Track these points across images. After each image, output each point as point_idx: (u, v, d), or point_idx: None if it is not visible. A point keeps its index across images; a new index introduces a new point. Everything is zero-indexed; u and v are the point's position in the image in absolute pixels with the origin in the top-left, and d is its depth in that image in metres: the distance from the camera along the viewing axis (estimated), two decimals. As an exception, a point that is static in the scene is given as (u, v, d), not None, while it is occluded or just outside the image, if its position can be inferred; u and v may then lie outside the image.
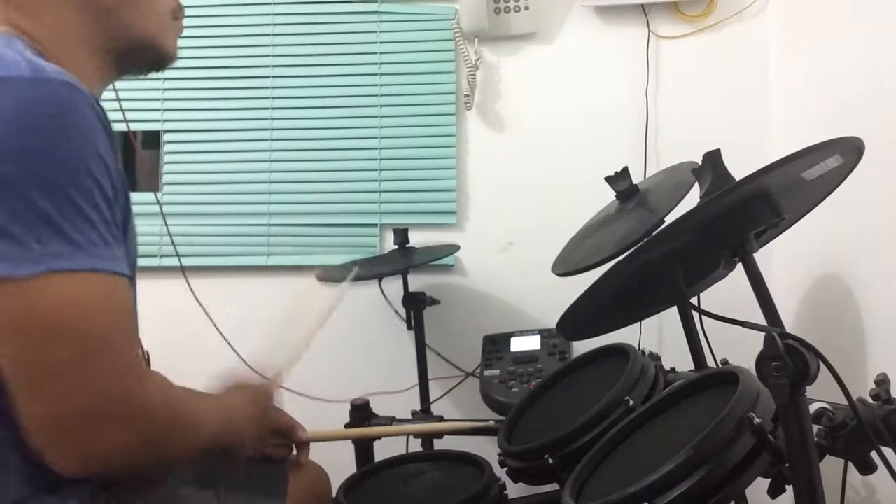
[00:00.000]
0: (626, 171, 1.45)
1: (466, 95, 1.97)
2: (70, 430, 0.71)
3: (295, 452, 1.23)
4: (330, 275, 1.78)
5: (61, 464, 0.73)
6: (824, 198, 1.18)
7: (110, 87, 0.96)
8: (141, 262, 2.26)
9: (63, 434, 0.71)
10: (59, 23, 0.84)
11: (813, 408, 1.05)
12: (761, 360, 0.84)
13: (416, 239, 1.84)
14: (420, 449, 1.66)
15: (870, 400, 1.02)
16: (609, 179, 1.46)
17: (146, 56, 0.94)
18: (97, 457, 0.72)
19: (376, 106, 2.04)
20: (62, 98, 0.72)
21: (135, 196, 2.32)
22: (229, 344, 1.83)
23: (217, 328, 1.83)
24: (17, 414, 0.71)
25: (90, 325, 0.72)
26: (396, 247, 1.82)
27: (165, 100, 2.07)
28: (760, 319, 0.99)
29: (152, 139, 2.17)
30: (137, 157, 2.25)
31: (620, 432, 1.04)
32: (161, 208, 1.76)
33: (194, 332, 1.88)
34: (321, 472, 1.26)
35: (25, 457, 0.74)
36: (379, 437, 1.59)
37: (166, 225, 1.74)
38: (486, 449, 1.38)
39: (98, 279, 0.73)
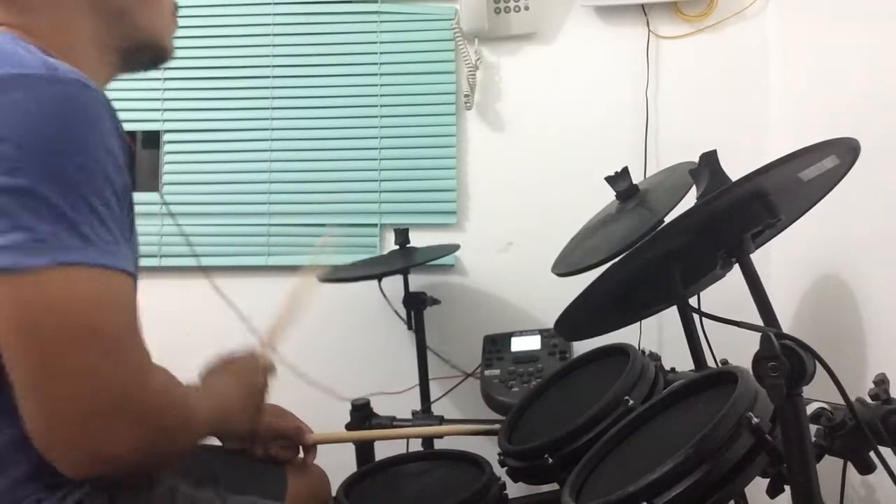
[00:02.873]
0: (626, 171, 1.45)
1: (466, 95, 1.97)
2: (77, 432, 0.70)
3: (301, 455, 1.23)
4: (329, 275, 1.78)
5: (66, 466, 0.72)
6: (821, 198, 1.18)
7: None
8: (141, 262, 2.27)
9: (70, 436, 0.70)
10: (70, 23, 0.84)
11: (812, 408, 1.05)
12: (758, 361, 0.84)
13: (417, 239, 1.84)
14: (420, 448, 1.67)
15: (868, 400, 1.02)
16: (609, 179, 1.46)
17: (150, 54, 0.95)
18: (103, 458, 0.71)
19: (376, 106, 2.04)
20: (77, 97, 0.72)
21: (135, 196, 2.32)
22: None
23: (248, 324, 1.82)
24: (19, 413, 0.70)
25: (102, 324, 0.71)
26: (397, 247, 1.83)
27: (165, 100, 2.08)
28: (759, 320, 0.99)
29: (152, 139, 2.18)
30: (137, 156, 2.26)
31: (620, 432, 1.04)
32: (165, 208, 1.76)
33: (194, 332, 1.88)
34: (321, 474, 1.26)
35: (26, 456, 0.73)
36: (381, 439, 1.59)
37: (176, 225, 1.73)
38: (486, 449, 1.38)
39: (109, 276, 0.72)
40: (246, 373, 1.06)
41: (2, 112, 0.69)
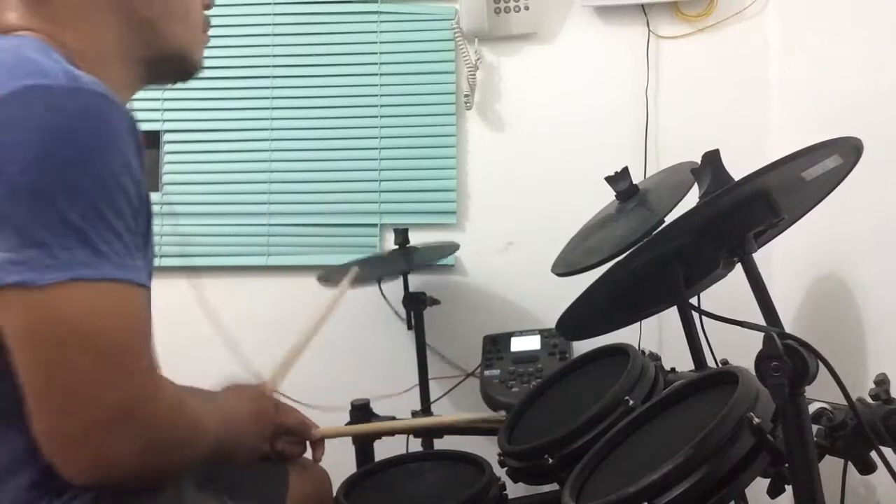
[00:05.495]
0: (626, 171, 1.45)
1: (466, 95, 1.97)
2: (85, 441, 0.71)
3: (309, 451, 1.23)
4: (330, 275, 1.78)
5: (72, 474, 0.72)
6: (823, 198, 1.18)
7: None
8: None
9: (77, 445, 0.71)
10: (96, 32, 0.84)
11: (812, 408, 1.05)
12: (760, 360, 0.84)
13: (417, 239, 1.84)
14: (420, 449, 1.66)
15: (869, 400, 1.02)
16: (609, 179, 1.46)
17: (176, 67, 0.95)
18: (110, 467, 0.73)
19: (376, 106, 2.04)
20: (96, 109, 0.72)
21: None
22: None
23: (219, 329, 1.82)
24: (29, 421, 0.71)
25: (111, 336, 0.72)
26: (396, 247, 1.82)
27: (165, 100, 2.07)
28: (760, 319, 0.99)
29: (152, 139, 2.17)
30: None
31: (620, 432, 1.04)
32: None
33: (195, 332, 1.88)
34: (322, 473, 1.26)
35: (34, 462, 0.74)
36: (388, 433, 1.58)
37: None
38: (486, 449, 1.38)
39: (121, 289, 0.73)
40: (256, 397, 1.08)
41: (21, 124, 0.69)
